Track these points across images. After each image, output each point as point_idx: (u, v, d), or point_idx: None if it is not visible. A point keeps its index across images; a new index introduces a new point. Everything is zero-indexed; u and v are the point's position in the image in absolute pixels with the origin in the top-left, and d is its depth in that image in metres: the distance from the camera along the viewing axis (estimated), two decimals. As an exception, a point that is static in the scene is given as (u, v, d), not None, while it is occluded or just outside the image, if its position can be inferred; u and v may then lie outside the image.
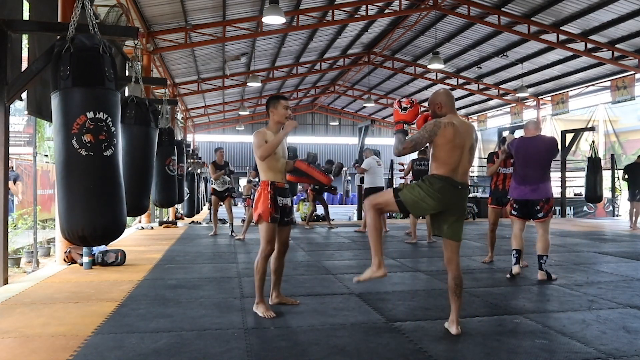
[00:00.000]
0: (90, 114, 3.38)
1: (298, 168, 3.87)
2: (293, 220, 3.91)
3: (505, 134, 15.18)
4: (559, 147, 5.07)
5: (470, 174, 19.82)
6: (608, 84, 16.14)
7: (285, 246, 3.83)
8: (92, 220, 3.42)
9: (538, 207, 4.82)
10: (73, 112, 3.39)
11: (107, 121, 3.45)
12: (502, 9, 13.01)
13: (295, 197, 13.76)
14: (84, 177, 3.41)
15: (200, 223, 11.91)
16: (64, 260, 5.71)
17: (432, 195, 3.06)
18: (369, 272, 3.12)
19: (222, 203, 9.12)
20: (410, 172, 8.25)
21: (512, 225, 5.07)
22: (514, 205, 4.99)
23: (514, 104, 20.94)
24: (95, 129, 3.38)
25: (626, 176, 10.56)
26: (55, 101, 3.47)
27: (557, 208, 14.62)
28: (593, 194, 12.03)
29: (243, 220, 10.89)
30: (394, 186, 3.21)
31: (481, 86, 20.01)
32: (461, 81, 19.80)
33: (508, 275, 5.01)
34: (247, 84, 17.35)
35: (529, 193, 4.82)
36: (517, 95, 18.33)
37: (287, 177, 3.81)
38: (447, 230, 3.17)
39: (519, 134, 6.18)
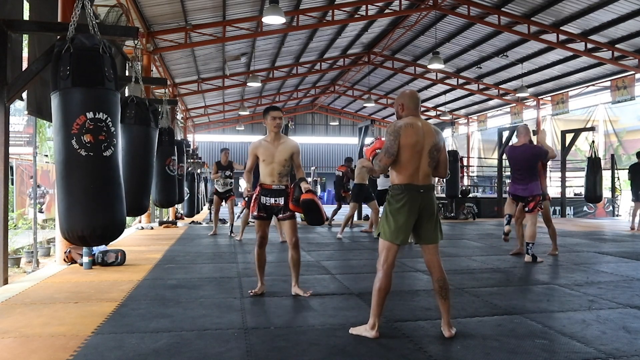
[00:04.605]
0: (90, 114, 3.36)
1: (306, 201, 3.96)
2: (294, 215, 4.13)
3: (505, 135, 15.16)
4: (545, 153, 5.86)
5: (470, 174, 19.92)
6: (608, 84, 16.14)
7: (291, 239, 4.13)
8: (92, 221, 3.41)
9: (525, 203, 5.88)
10: (73, 112, 3.37)
11: (107, 121, 3.43)
12: (502, 9, 13.01)
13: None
14: (83, 178, 3.39)
15: (200, 223, 11.90)
16: (64, 260, 5.71)
17: (398, 211, 3.05)
18: (362, 329, 3.14)
19: (223, 203, 9.13)
20: None
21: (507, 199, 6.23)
22: (510, 195, 6.10)
23: (514, 104, 20.94)
24: (95, 129, 3.36)
25: (629, 175, 10.53)
26: (55, 101, 3.45)
27: (557, 208, 14.63)
28: (593, 194, 12.03)
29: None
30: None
31: (481, 86, 20.01)
32: (461, 81, 19.80)
33: (502, 236, 6.21)
34: (247, 84, 17.35)
35: (520, 191, 5.88)
36: (517, 95, 18.33)
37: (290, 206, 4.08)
38: (424, 236, 3.14)
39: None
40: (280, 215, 4.12)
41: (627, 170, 10.79)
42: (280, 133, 4.18)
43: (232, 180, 9.09)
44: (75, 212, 3.41)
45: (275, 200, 4.08)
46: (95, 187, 3.42)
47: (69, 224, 3.41)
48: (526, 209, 5.87)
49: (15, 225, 8.62)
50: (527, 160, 5.76)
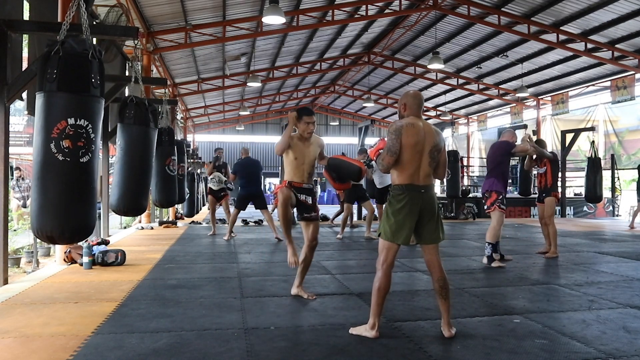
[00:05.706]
0: (71, 120, 3.39)
1: (334, 160, 4.04)
2: (318, 217, 4.15)
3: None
4: (511, 146, 5.80)
5: (470, 174, 19.90)
6: (608, 84, 16.14)
7: (314, 241, 4.08)
8: (61, 223, 3.48)
9: (484, 201, 5.81)
10: (55, 116, 3.40)
11: (88, 128, 3.46)
12: (502, 9, 13.02)
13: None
14: (57, 181, 3.44)
15: (200, 223, 11.90)
16: (64, 260, 5.71)
17: (399, 212, 3.05)
18: (362, 329, 3.14)
19: (219, 203, 9.13)
20: None
21: None
22: None
23: (514, 104, 20.95)
24: (74, 135, 3.39)
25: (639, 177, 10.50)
26: (39, 102, 3.46)
27: (558, 208, 14.61)
28: (593, 194, 12.02)
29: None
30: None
31: (481, 86, 20.02)
32: (461, 81, 19.81)
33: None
34: (247, 84, 17.36)
35: (483, 187, 5.88)
36: (517, 95, 18.34)
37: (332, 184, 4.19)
38: (425, 236, 3.14)
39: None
40: (307, 215, 4.07)
41: (637, 170, 10.80)
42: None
43: (227, 179, 9.07)
44: (47, 213, 3.46)
45: (305, 198, 4.05)
46: (69, 191, 3.46)
47: (40, 224, 3.49)
48: (485, 207, 5.79)
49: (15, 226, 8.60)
50: (492, 156, 5.84)
